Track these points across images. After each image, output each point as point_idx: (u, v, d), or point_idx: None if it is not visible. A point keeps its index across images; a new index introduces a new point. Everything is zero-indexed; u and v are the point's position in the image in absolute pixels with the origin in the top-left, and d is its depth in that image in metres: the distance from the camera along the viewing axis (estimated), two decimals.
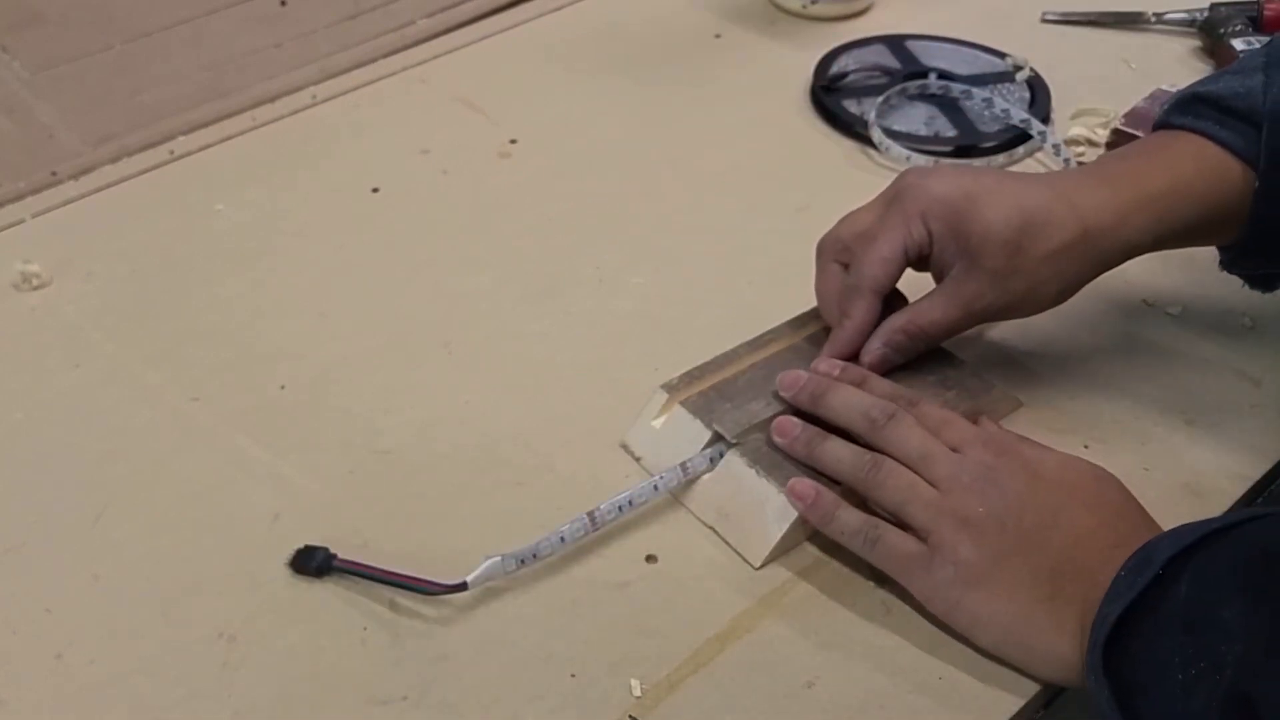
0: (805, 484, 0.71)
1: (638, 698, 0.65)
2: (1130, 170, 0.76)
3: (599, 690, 0.65)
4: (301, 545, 0.70)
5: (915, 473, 0.69)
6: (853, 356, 0.77)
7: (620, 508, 0.72)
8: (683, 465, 0.73)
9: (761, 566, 0.71)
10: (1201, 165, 0.76)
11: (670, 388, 0.76)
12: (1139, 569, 0.61)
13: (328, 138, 1.03)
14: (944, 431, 0.71)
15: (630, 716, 0.64)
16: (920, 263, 0.77)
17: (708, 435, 0.74)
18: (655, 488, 0.73)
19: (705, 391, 0.76)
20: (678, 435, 0.75)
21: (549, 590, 0.70)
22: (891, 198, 0.77)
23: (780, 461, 0.72)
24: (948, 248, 0.75)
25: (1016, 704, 0.65)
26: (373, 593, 0.69)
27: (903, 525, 0.69)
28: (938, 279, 0.77)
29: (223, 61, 1.10)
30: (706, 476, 0.73)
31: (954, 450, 0.69)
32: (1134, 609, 0.60)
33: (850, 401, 0.73)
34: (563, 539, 0.70)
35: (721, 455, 0.74)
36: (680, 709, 0.65)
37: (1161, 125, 0.79)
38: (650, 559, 0.71)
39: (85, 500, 0.74)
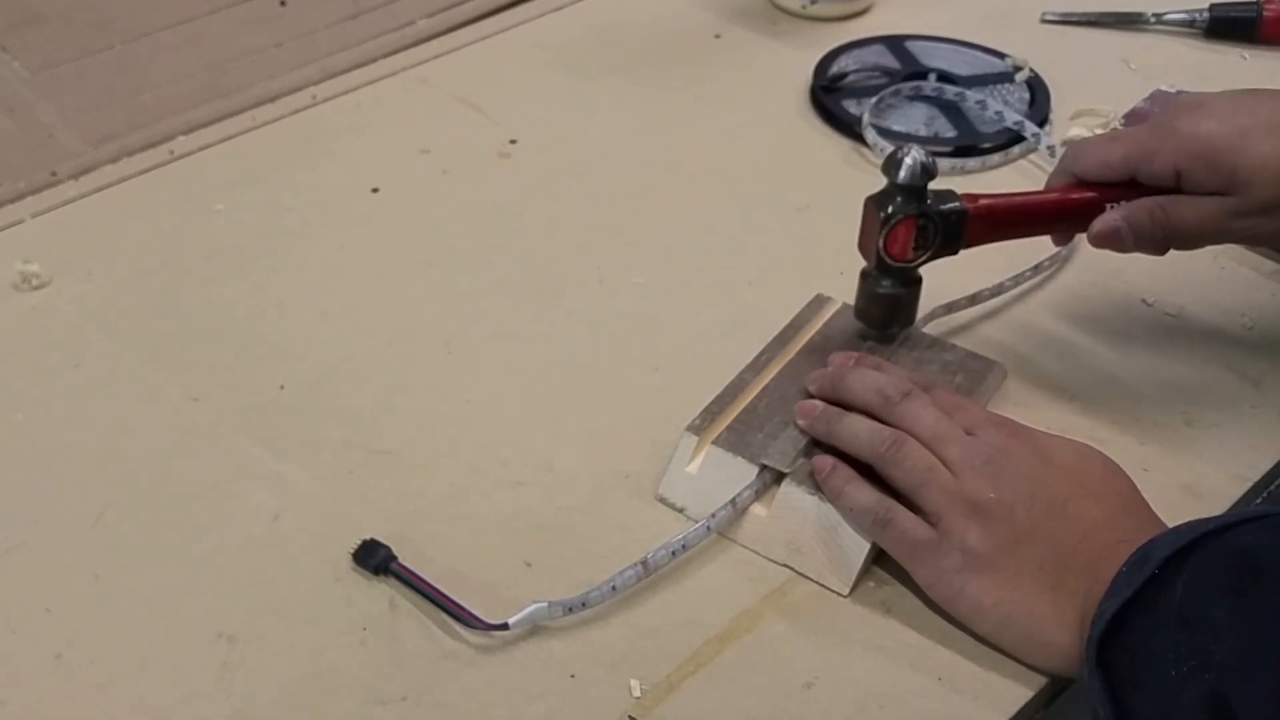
0: (824, 458, 0.71)
1: (637, 698, 0.65)
2: None
3: (599, 690, 0.65)
4: (368, 538, 0.71)
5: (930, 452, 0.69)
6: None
7: (674, 552, 0.70)
8: (733, 502, 0.72)
9: (850, 594, 0.70)
10: None
11: (696, 429, 0.74)
12: (1138, 566, 0.61)
13: (328, 138, 1.03)
14: (957, 415, 0.71)
15: (630, 717, 0.64)
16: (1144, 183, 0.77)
17: (753, 470, 0.72)
18: (708, 528, 0.71)
19: (732, 426, 0.75)
20: (717, 475, 0.73)
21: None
22: (1155, 122, 0.77)
23: None
24: (1205, 180, 0.74)
25: (1016, 704, 0.65)
26: (372, 593, 0.70)
27: (913, 507, 0.68)
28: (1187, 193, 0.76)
29: (223, 61, 1.10)
30: (763, 513, 0.72)
31: (967, 433, 0.70)
32: (1130, 605, 0.60)
33: (866, 380, 0.73)
34: (614, 588, 0.68)
35: (765, 486, 0.73)
36: (680, 709, 0.65)
37: None
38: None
39: (85, 500, 0.75)
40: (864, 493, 0.69)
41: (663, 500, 0.75)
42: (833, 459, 0.71)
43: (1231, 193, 0.74)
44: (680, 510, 0.74)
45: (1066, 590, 0.65)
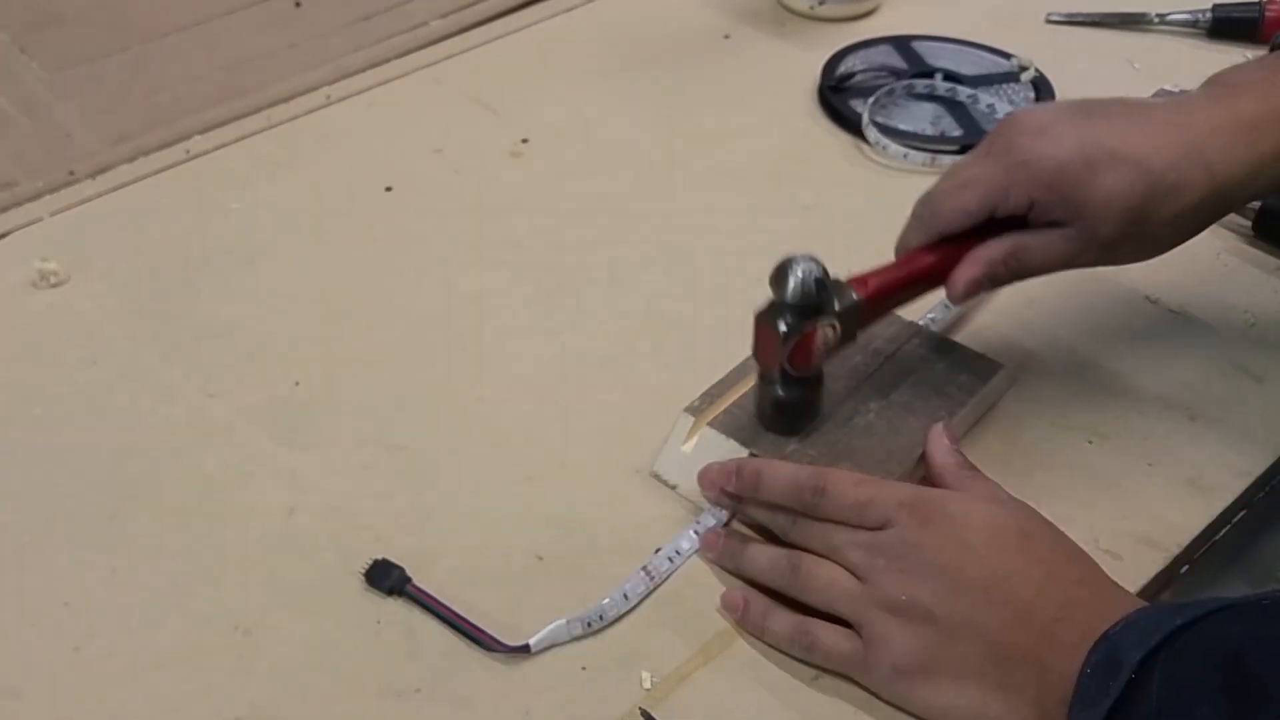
0: (734, 594, 0.69)
1: (648, 690, 0.66)
2: (1272, 112, 0.71)
3: (610, 682, 0.66)
4: (379, 558, 0.70)
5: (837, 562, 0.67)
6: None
7: (669, 558, 0.71)
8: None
9: None
10: None
11: (694, 410, 0.76)
12: (1106, 670, 0.57)
13: (341, 137, 1.04)
14: (866, 512, 0.66)
15: (641, 708, 0.65)
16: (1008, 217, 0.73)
17: (744, 454, 0.73)
18: (703, 526, 0.72)
19: (730, 409, 0.76)
20: (711, 456, 0.73)
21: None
22: (999, 151, 0.72)
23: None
24: (1054, 210, 0.71)
25: None
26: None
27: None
28: (1033, 222, 0.73)
29: (238, 62, 1.11)
30: None
31: (879, 528, 0.66)
32: (1109, 716, 0.56)
33: (758, 516, 0.71)
34: (625, 595, 0.69)
35: None
36: (690, 701, 0.65)
37: None
38: (658, 552, 0.72)
39: (103, 495, 0.75)
40: (781, 622, 0.67)
41: (656, 476, 0.76)
42: (741, 595, 0.69)
43: (1075, 225, 0.71)
44: (673, 488, 0.75)
45: (1014, 686, 0.61)
